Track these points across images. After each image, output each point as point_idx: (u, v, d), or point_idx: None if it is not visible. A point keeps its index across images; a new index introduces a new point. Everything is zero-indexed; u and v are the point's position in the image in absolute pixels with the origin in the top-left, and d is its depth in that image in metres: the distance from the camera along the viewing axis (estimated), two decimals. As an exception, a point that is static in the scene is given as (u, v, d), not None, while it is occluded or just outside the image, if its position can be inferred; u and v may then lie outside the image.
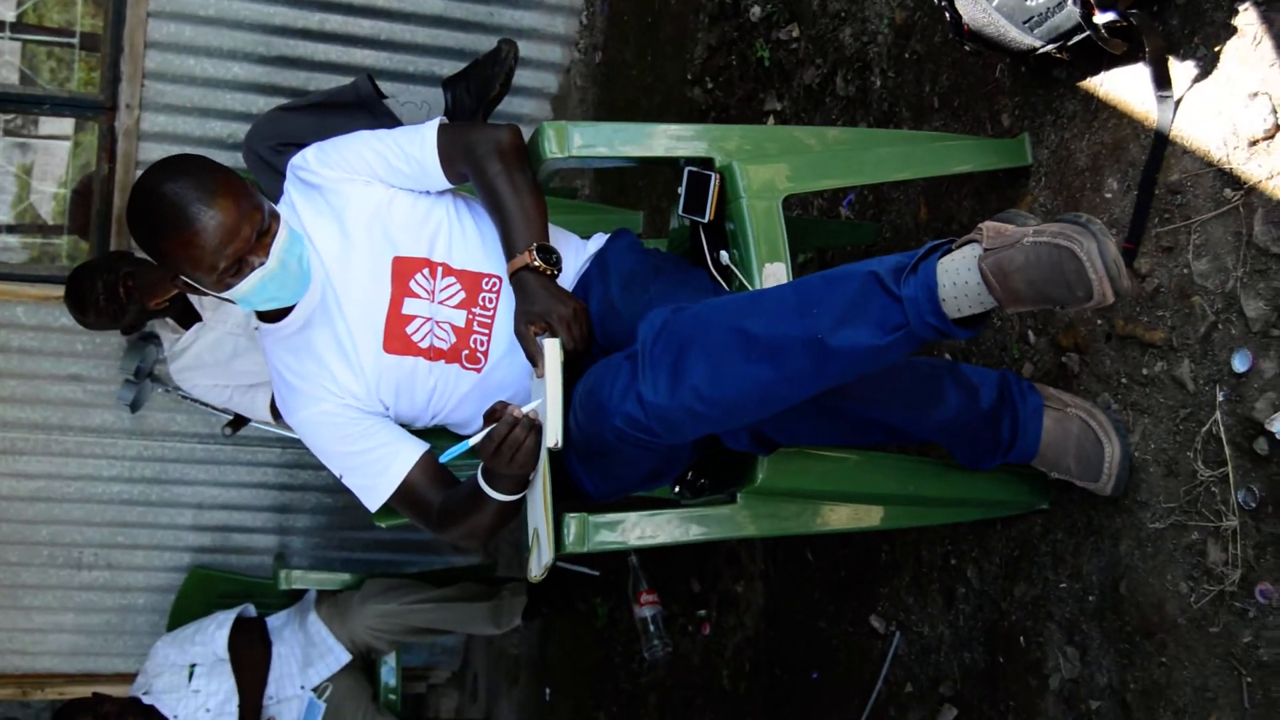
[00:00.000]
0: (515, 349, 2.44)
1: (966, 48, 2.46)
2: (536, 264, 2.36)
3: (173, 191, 2.20)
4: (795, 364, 1.97)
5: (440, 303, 2.46)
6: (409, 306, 2.46)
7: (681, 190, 2.49)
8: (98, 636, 5.12)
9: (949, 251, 1.94)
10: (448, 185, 2.51)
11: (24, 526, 4.85)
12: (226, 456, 4.97)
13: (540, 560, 2.26)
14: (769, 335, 1.97)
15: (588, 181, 4.67)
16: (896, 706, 2.87)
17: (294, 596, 4.75)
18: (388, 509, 2.51)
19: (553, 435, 2.17)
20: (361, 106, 3.91)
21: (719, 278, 2.42)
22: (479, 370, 2.49)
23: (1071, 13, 2.23)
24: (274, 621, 4.68)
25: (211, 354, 4.11)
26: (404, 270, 2.46)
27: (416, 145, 2.48)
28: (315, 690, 4.51)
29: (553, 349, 2.21)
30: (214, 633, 4.50)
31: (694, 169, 2.45)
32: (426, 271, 2.47)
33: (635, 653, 4.17)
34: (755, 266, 2.32)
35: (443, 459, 2.24)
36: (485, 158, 2.45)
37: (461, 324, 2.47)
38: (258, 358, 4.03)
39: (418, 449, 2.51)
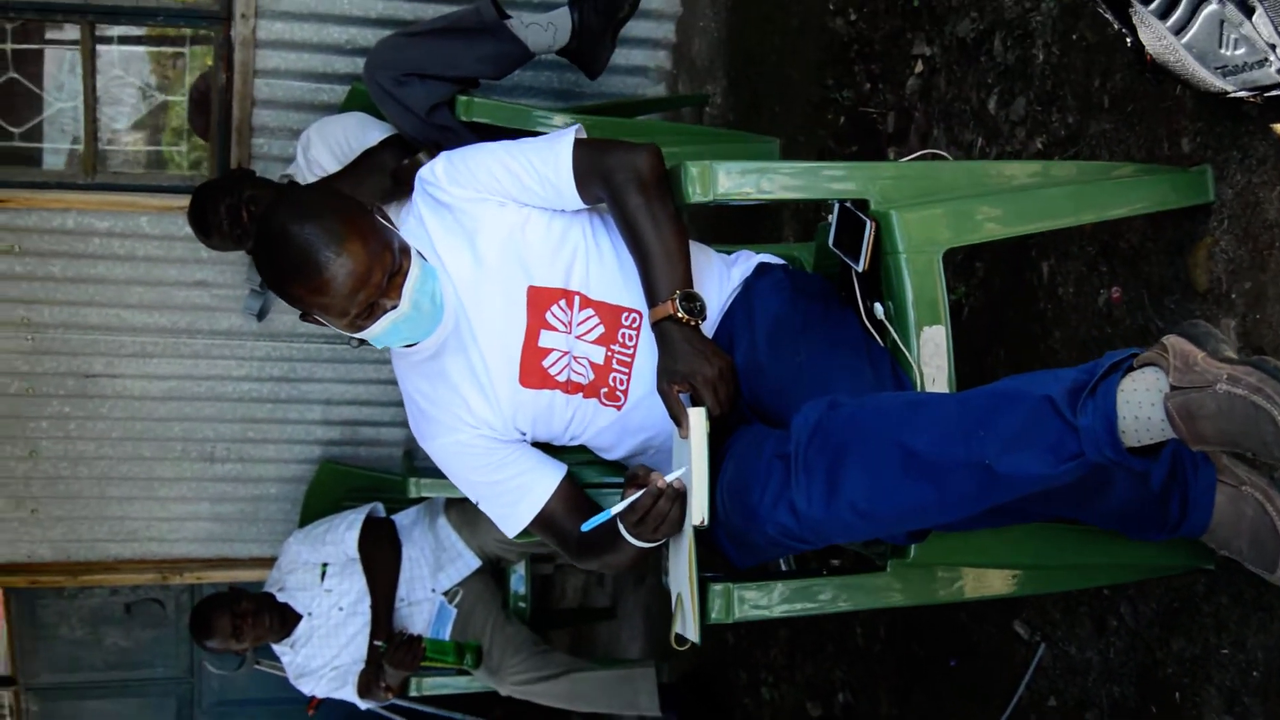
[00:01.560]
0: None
1: (1147, 76, 2.28)
2: (680, 316, 2.26)
3: (301, 238, 2.14)
4: (959, 486, 1.89)
5: (578, 337, 2.39)
6: (546, 339, 2.39)
7: (833, 221, 2.37)
8: (232, 524, 5.27)
9: (1130, 370, 1.83)
10: (583, 207, 2.42)
11: (157, 424, 4.96)
12: (353, 356, 5.01)
13: (686, 629, 2.24)
14: (931, 454, 1.89)
15: (719, 89, 4.49)
16: (1038, 715, 2.85)
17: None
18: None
19: (699, 512, 2.13)
20: (484, 31, 3.77)
21: (871, 329, 2.31)
22: (619, 408, 2.43)
23: (1272, 74, 2.04)
24: (403, 520, 4.75)
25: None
26: (540, 301, 2.38)
27: (551, 166, 2.37)
28: (446, 594, 4.61)
29: (698, 420, 2.15)
30: (344, 533, 4.58)
31: (847, 205, 2.32)
32: (563, 302, 2.39)
33: (765, 583, 4.18)
34: (912, 328, 2.21)
35: (584, 528, 2.20)
36: (623, 188, 2.33)
37: (600, 360, 2.40)
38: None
39: (555, 475, 2.48)
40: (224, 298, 4.75)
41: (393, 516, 4.76)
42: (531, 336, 2.39)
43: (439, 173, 2.42)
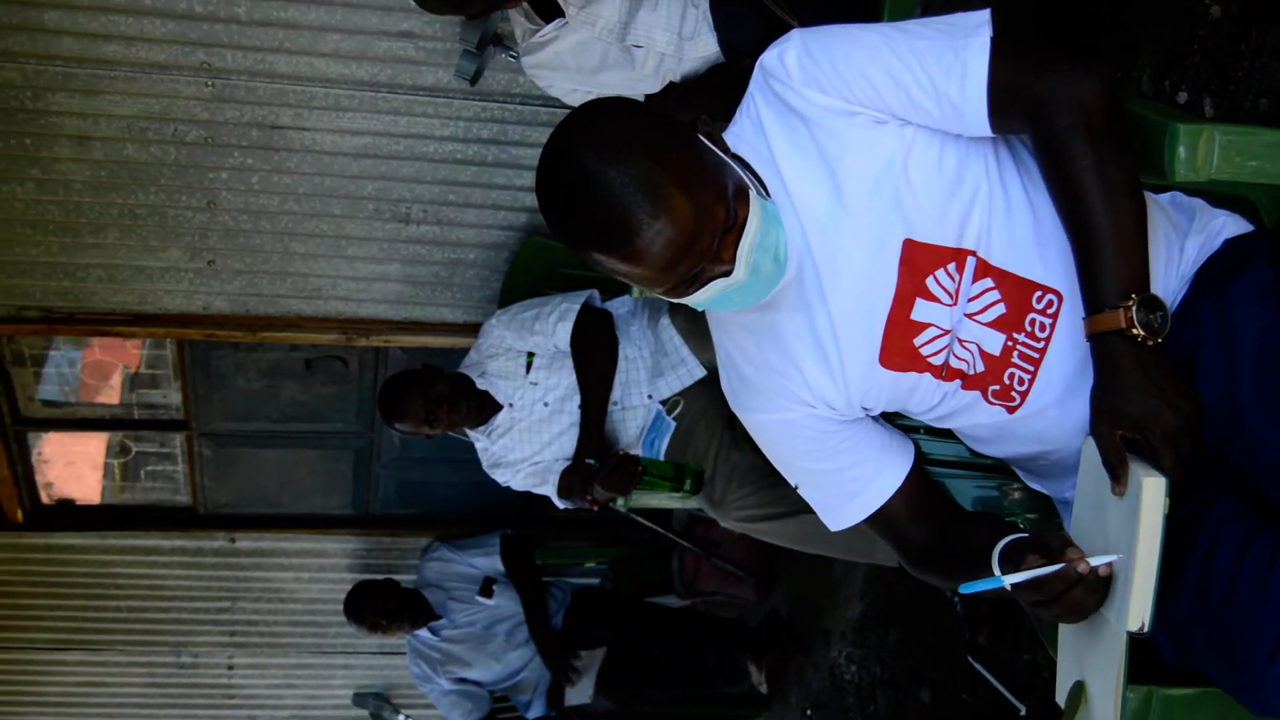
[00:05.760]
0: (1069, 398, 1.82)
1: None
2: (1136, 333, 1.67)
3: (605, 187, 1.59)
4: None
5: (970, 316, 1.83)
6: (922, 312, 1.84)
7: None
8: (424, 287, 4.88)
9: None
10: (989, 134, 1.79)
11: (348, 181, 4.52)
12: (573, 119, 4.43)
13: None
14: None
15: None
16: None
17: (645, 291, 4.32)
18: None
19: (1137, 617, 1.62)
20: None
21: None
22: (1010, 411, 1.89)
23: None
24: (619, 309, 4.27)
25: (574, 58, 3.48)
26: (919, 261, 1.81)
27: (955, 80, 1.74)
28: (664, 404, 4.16)
29: (1156, 495, 1.60)
30: (555, 323, 4.13)
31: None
32: (952, 266, 1.81)
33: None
34: None
35: (964, 590, 1.68)
36: (1065, 136, 1.70)
37: (996, 350, 1.84)
38: (629, 72, 3.40)
39: (900, 468, 2.01)
40: (431, 51, 4.21)
41: (607, 304, 4.28)
42: (902, 306, 1.83)
43: (790, 65, 1.81)
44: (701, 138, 1.73)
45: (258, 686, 6.46)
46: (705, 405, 4.16)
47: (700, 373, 4.13)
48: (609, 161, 1.59)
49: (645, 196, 1.58)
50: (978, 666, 3.96)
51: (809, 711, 5.27)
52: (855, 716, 4.83)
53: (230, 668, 6.35)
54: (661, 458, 4.15)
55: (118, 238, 4.53)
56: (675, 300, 1.75)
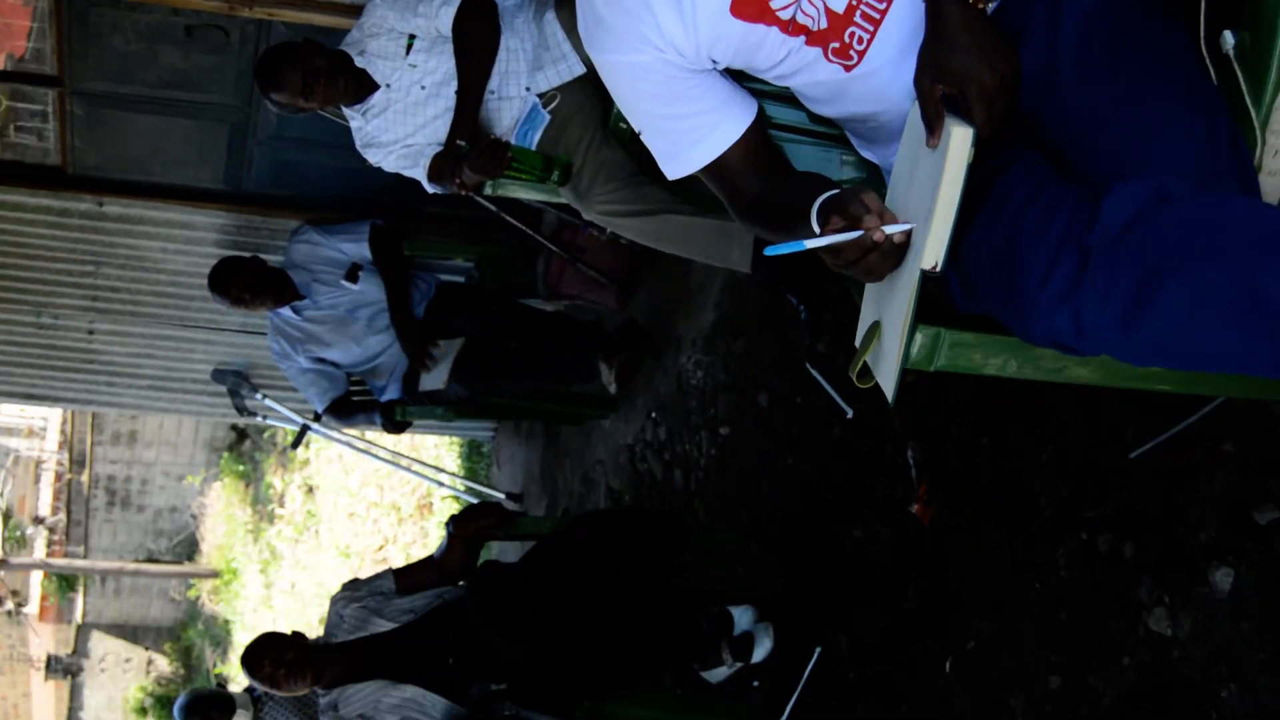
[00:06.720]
0: (903, 60, 1.97)
1: None
2: None
3: None
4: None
5: None
6: None
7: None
8: (312, -43, 4.82)
9: None
10: None
11: None
12: None
13: (882, 379, 1.96)
14: None
15: None
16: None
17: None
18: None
19: (932, 255, 1.77)
20: None
21: (1210, 66, 1.86)
22: (847, 69, 2.03)
23: None
24: (505, 0, 4.31)
25: None
26: None
27: None
28: (541, 97, 4.25)
29: (962, 144, 1.74)
30: (440, 8, 4.16)
31: None
32: None
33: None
34: (1271, 79, 1.77)
35: (769, 252, 1.81)
36: None
37: (840, 9, 1.96)
38: None
39: (741, 120, 2.14)
40: None
41: (496, -15, 4.31)
42: None
43: None
44: None
45: (117, 354, 6.56)
46: (582, 101, 4.24)
47: (580, 69, 4.19)
48: None
49: None
50: (813, 372, 4.19)
51: (653, 414, 5.52)
52: (696, 419, 5.08)
53: (91, 333, 6.43)
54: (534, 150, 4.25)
55: (-1, -126, 4.42)
56: None
